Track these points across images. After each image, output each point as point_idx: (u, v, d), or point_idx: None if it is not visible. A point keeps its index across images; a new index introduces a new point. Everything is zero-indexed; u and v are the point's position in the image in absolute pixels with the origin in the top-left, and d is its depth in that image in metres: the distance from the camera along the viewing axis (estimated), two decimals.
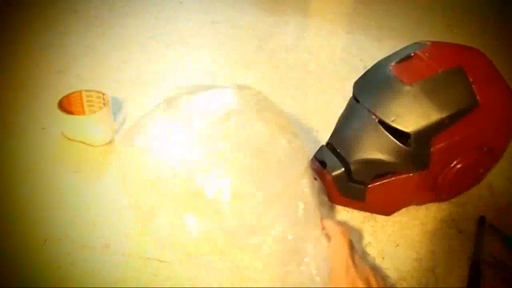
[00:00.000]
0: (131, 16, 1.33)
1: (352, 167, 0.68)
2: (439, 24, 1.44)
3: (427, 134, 0.65)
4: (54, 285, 0.59)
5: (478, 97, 0.66)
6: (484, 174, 0.74)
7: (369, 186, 0.69)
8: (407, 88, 0.66)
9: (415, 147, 0.65)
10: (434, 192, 0.71)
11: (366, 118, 0.68)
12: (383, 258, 0.66)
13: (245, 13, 1.39)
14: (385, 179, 0.68)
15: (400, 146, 0.66)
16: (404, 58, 0.70)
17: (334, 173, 0.69)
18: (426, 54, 0.70)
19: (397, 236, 0.70)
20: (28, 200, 0.71)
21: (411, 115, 0.65)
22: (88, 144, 0.82)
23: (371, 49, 1.22)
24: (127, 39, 1.20)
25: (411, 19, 1.45)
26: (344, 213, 0.73)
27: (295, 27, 1.37)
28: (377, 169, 0.68)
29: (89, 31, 1.22)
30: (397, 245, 0.68)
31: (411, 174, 0.67)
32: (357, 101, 0.72)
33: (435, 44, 0.73)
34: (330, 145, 0.73)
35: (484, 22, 1.48)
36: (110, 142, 0.83)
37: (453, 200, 0.77)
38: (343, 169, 0.68)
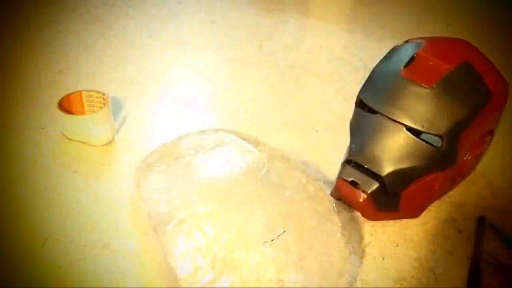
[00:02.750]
0: (131, 16, 1.33)
1: (386, 181, 0.67)
2: (439, 24, 1.44)
3: (456, 133, 0.66)
4: (54, 285, 0.59)
5: (489, 87, 0.68)
6: (486, 149, 0.81)
7: (402, 194, 0.68)
8: (428, 91, 0.65)
9: (446, 148, 0.66)
10: (453, 181, 0.75)
11: (392, 129, 0.67)
12: (383, 258, 0.66)
13: (244, 13, 1.39)
14: (416, 184, 0.68)
15: (432, 149, 0.66)
16: (409, 61, 0.69)
17: (370, 190, 0.67)
18: (429, 53, 0.69)
19: (397, 236, 0.70)
20: (28, 200, 0.71)
21: (440, 117, 0.65)
22: (88, 144, 0.82)
23: (371, 49, 1.22)
24: (127, 39, 1.20)
25: (411, 19, 1.45)
26: (345, 213, 0.73)
27: (295, 27, 1.36)
28: (410, 176, 0.68)
29: (89, 31, 1.22)
30: (397, 245, 0.68)
31: (439, 173, 0.68)
32: (373, 112, 0.70)
33: (430, 41, 0.73)
34: (353, 163, 0.69)
35: (484, 22, 1.48)
36: (110, 142, 0.83)
37: (453, 200, 0.77)
38: (378, 184, 0.67)
